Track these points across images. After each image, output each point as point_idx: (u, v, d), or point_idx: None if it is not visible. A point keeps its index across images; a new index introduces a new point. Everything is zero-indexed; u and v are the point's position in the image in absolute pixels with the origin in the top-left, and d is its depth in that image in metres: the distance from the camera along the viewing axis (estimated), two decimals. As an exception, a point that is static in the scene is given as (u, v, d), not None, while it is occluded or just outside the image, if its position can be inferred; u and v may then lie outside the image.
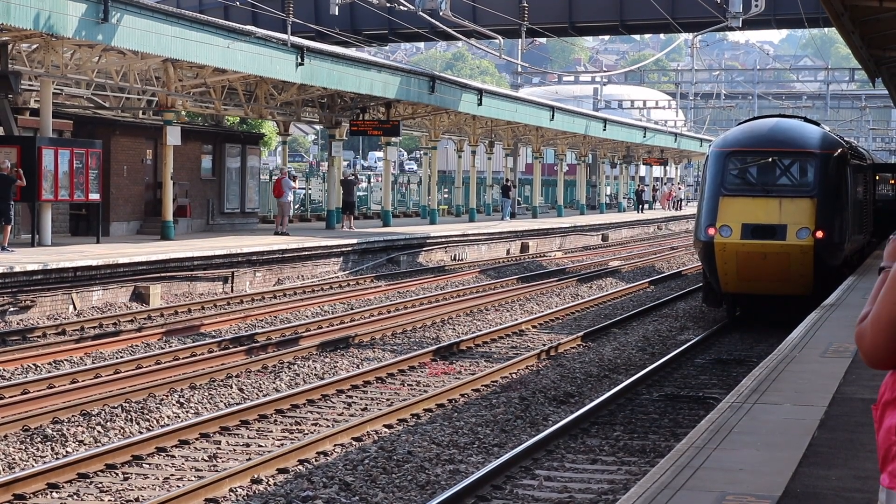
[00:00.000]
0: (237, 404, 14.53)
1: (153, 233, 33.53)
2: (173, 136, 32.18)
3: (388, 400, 15.28)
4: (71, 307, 22.98)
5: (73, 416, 13.52)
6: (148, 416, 13.61)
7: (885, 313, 3.38)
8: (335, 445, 12.38)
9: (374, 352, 19.26)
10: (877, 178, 31.04)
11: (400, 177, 68.13)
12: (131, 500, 10.29)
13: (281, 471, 11.29)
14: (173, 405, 14.33)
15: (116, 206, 34.74)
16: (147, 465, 11.54)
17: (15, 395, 14.48)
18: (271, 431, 13.26)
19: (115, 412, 13.68)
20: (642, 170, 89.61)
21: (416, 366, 17.82)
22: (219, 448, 12.34)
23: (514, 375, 17.18)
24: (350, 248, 33.90)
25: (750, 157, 23.14)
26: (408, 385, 16.42)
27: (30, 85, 31.51)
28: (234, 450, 12.30)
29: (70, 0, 24.91)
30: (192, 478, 11.04)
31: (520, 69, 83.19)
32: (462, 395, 15.47)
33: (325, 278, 31.46)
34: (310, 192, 54.07)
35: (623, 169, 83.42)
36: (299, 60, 33.00)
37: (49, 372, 16.45)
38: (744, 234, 22.49)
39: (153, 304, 24.38)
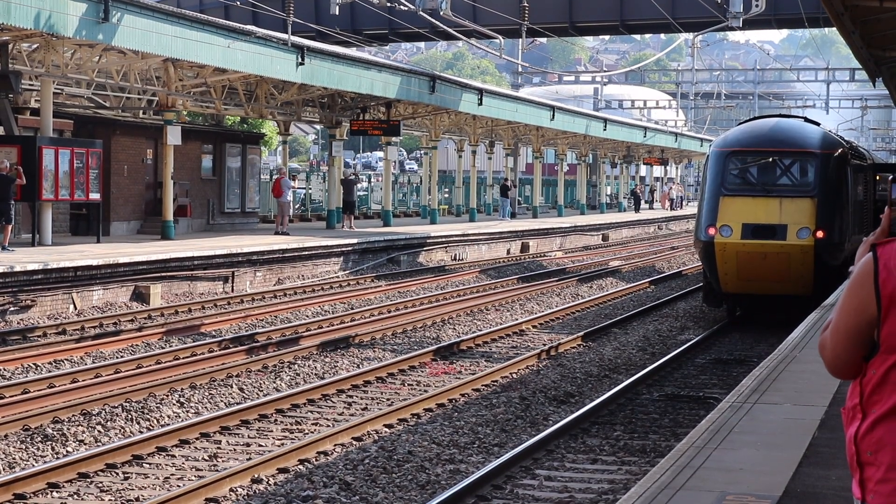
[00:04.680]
0: (237, 404, 14.54)
1: (153, 232, 33.53)
2: (174, 136, 32.18)
3: (388, 399, 15.28)
4: (71, 307, 22.98)
5: (73, 415, 13.52)
6: (148, 416, 13.61)
7: (842, 323, 3.36)
8: (335, 445, 12.38)
9: (374, 351, 19.26)
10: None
11: (400, 176, 68.13)
12: (132, 500, 10.29)
13: (281, 470, 11.30)
14: (174, 405, 14.33)
15: (117, 205, 34.73)
16: (147, 465, 11.54)
17: (15, 395, 14.48)
18: (272, 431, 13.26)
19: (115, 412, 13.69)
20: (643, 169, 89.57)
21: (416, 365, 17.83)
22: (219, 448, 12.34)
23: (514, 375, 17.18)
24: (350, 248, 33.90)
25: (750, 157, 23.14)
26: (408, 385, 16.43)
27: (30, 84, 31.51)
28: (235, 449, 12.31)
29: None
30: (193, 477, 11.04)
31: (520, 69, 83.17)
32: (462, 395, 15.47)
33: (325, 278, 31.46)
34: (310, 191, 54.07)
35: (623, 169, 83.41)
36: (300, 60, 33.00)
37: (49, 371, 16.46)
38: (744, 234, 22.49)
39: (153, 304, 24.38)
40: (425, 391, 15.74)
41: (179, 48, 28.56)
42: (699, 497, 7.23)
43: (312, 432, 13.12)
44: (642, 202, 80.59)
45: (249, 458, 11.72)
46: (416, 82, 40.36)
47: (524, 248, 45.16)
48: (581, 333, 21.38)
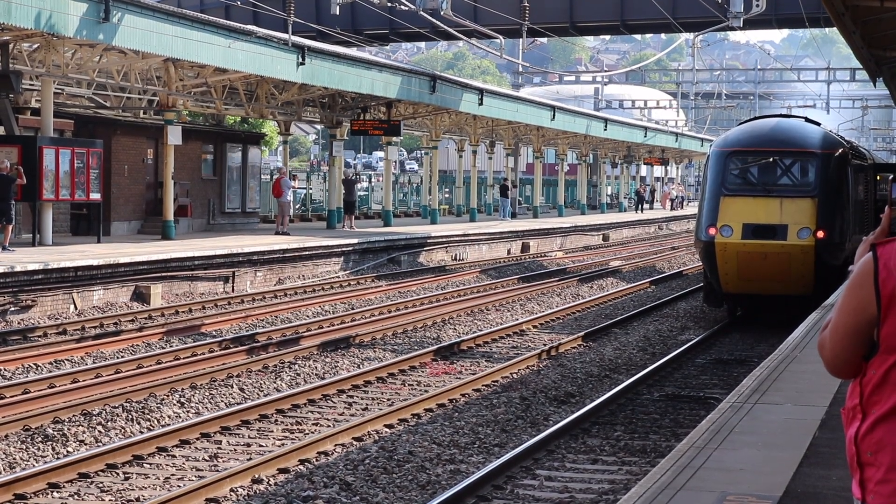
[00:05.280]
0: (238, 404, 14.53)
1: (154, 232, 33.53)
2: (174, 136, 32.17)
3: (388, 400, 15.28)
4: (72, 307, 22.98)
5: (73, 415, 13.52)
6: (149, 416, 13.61)
7: (841, 322, 3.35)
8: (336, 445, 12.38)
9: (374, 351, 19.26)
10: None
11: (401, 176, 68.10)
12: (132, 500, 10.29)
13: (282, 470, 11.30)
14: (174, 405, 14.33)
15: (117, 205, 34.73)
16: (148, 465, 11.54)
17: (16, 395, 14.48)
18: (272, 431, 13.26)
19: (115, 412, 13.69)
20: (643, 169, 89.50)
21: (416, 365, 17.82)
22: (220, 448, 12.34)
23: (514, 375, 17.18)
24: (351, 248, 33.90)
25: (751, 157, 23.14)
26: (408, 385, 16.42)
27: (31, 84, 31.51)
28: (235, 449, 12.31)
29: None
30: (193, 477, 11.04)
31: (521, 69, 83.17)
32: (463, 395, 15.47)
33: (325, 278, 31.46)
34: (310, 191, 54.05)
35: (624, 169, 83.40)
36: (300, 60, 33.00)
37: (50, 371, 16.46)
38: (745, 234, 22.48)
39: (154, 304, 24.37)
40: (426, 391, 15.74)
41: (180, 48, 28.56)
42: (700, 497, 7.23)
43: (313, 432, 13.12)
44: (644, 202, 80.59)
45: (250, 459, 11.72)
46: (417, 82, 40.36)
47: (525, 248, 45.15)
48: (581, 333, 21.38)
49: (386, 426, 13.43)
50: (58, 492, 10.50)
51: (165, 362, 17.26)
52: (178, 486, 10.65)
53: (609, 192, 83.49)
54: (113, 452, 11.49)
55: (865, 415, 3.31)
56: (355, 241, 34.41)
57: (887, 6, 19.70)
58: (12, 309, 21.53)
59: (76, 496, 10.42)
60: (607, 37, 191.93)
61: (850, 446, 3.33)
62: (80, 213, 33.33)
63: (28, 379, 15.44)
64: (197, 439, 12.58)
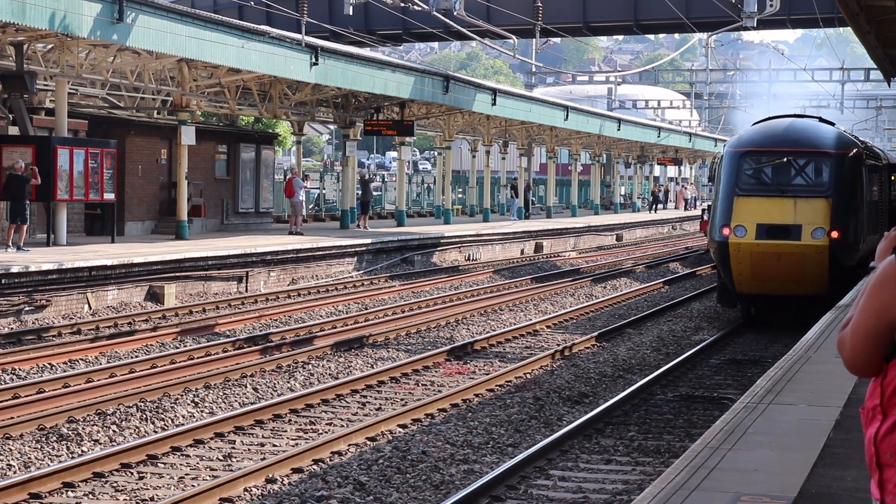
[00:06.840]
0: (252, 404, 14.55)
1: (168, 232, 33.59)
2: (188, 136, 32.23)
3: (402, 400, 15.29)
4: (86, 306, 23.04)
5: (88, 415, 13.55)
6: (163, 416, 13.63)
7: (862, 323, 3.34)
8: (349, 445, 12.39)
9: (388, 351, 19.27)
10: (892, 178, 30.92)
11: (414, 176, 68.10)
12: (146, 500, 10.32)
13: (295, 470, 11.31)
14: (188, 404, 14.36)
15: (131, 205, 34.81)
16: (162, 465, 11.56)
17: (30, 395, 14.53)
18: (286, 431, 13.28)
19: (130, 411, 13.72)
20: (657, 170, 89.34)
21: (430, 366, 17.83)
22: (233, 447, 12.36)
23: (528, 375, 17.17)
24: (364, 248, 33.92)
25: (765, 157, 23.09)
26: (422, 385, 16.43)
27: (45, 85, 31.59)
28: (249, 449, 12.32)
29: (85, 0, 24.97)
30: (207, 477, 11.06)
31: (534, 69, 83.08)
32: (476, 395, 15.47)
33: (339, 278, 31.48)
34: (324, 191, 54.08)
35: (637, 169, 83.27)
36: (313, 60, 33.03)
37: (64, 371, 16.50)
38: (758, 235, 22.43)
39: (168, 304, 24.42)
40: (439, 391, 15.74)
41: (193, 48, 28.61)
42: (714, 498, 7.22)
43: (326, 432, 13.13)
44: (659, 203, 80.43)
45: (264, 458, 11.74)
46: (430, 82, 40.37)
47: (538, 248, 45.12)
48: (595, 334, 21.36)
49: (399, 426, 13.43)
50: (72, 491, 10.53)
51: (179, 362, 17.30)
52: (192, 486, 10.67)
53: (622, 193, 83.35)
54: (127, 452, 11.52)
55: (886, 415, 3.29)
56: (369, 241, 34.43)
57: (902, 6, 19.65)
58: (27, 309, 21.59)
59: (91, 495, 10.45)
60: (620, 37, 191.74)
61: (870, 447, 3.31)
62: (94, 213, 33.40)
63: (42, 378, 15.49)
64: (211, 439, 12.60)
